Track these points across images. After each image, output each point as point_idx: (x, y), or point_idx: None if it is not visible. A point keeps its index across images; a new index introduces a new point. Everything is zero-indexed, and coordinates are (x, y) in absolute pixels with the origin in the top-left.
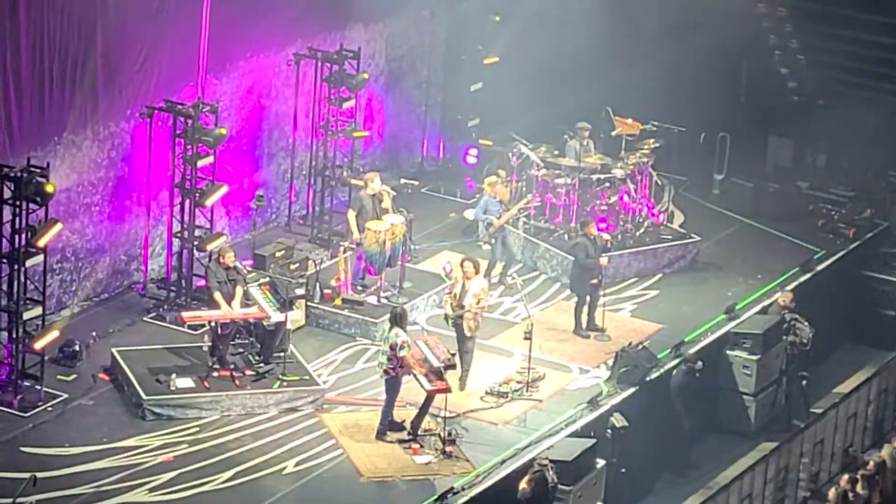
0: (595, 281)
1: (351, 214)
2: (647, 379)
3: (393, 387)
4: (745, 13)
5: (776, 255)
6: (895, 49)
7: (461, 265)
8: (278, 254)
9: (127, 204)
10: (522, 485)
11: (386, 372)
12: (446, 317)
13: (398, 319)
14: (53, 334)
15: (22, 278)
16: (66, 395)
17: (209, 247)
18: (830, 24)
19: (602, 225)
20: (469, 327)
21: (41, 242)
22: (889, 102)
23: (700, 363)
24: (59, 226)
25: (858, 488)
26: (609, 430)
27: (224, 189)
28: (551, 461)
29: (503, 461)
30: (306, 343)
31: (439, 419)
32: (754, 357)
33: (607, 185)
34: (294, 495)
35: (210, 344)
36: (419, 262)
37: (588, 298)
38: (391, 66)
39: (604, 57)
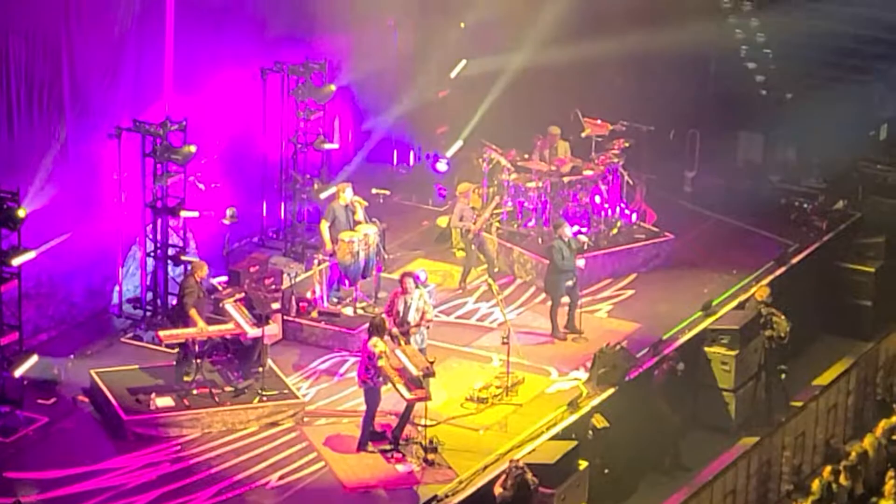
0: (570, 283)
1: (324, 225)
2: (627, 379)
3: (372, 397)
4: (711, 8)
5: (750, 250)
6: (861, 39)
7: (401, 281)
8: (252, 269)
9: (99, 225)
10: (498, 489)
11: (364, 382)
12: (390, 335)
13: (377, 329)
14: (32, 360)
15: None
16: (46, 419)
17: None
18: (796, 16)
19: (576, 227)
20: (416, 341)
21: (15, 262)
22: (857, 93)
23: (682, 364)
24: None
25: (841, 479)
26: (590, 432)
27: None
28: (530, 464)
29: (485, 467)
30: (284, 357)
31: (420, 427)
32: (732, 353)
33: (578, 186)
34: None
35: (177, 361)
36: (394, 272)
37: (567, 300)
38: (358, 76)
39: (570, 58)
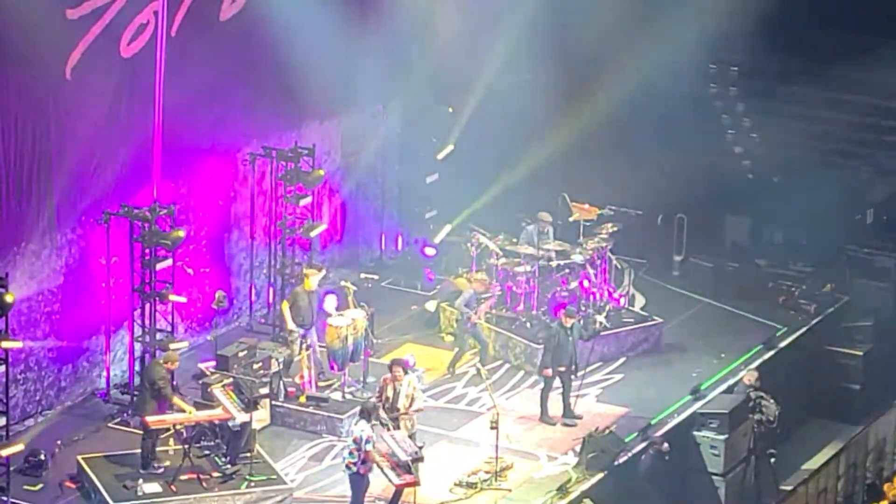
0: (563, 369)
1: (284, 305)
2: (616, 464)
3: (358, 484)
4: (697, 94)
5: (738, 334)
6: (846, 124)
7: (390, 368)
8: (241, 354)
9: (87, 310)
10: None
11: (347, 467)
12: (380, 420)
13: (367, 414)
14: (18, 447)
15: None
16: None
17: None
18: (781, 101)
19: (562, 311)
20: (406, 427)
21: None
22: (843, 177)
23: (666, 445)
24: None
25: None
26: None
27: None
28: None
29: None
30: (272, 442)
31: None
32: (721, 437)
33: (567, 271)
34: None
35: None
36: (382, 356)
37: (559, 385)
38: (347, 161)
39: (557, 142)
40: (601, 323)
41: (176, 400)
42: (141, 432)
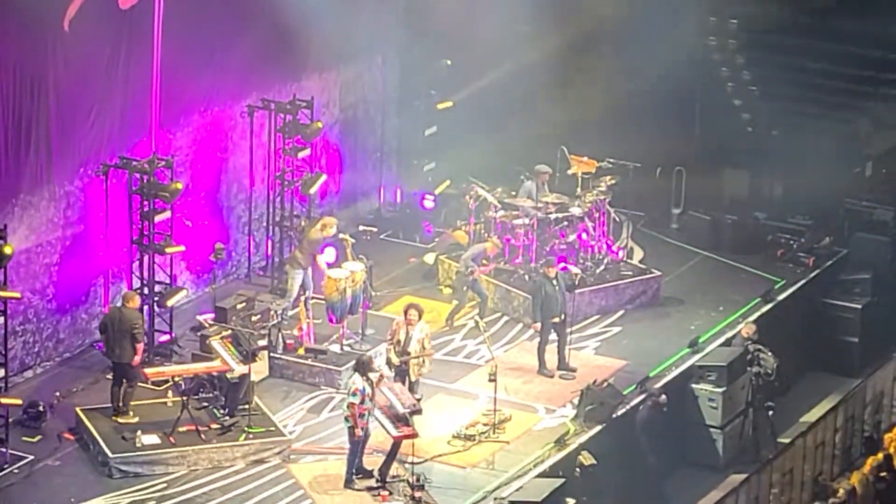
0: (557, 320)
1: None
2: (614, 416)
3: (355, 435)
4: (696, 46)
5: (737, 287)
6: (846, 77)
7: (405, 312)
8: (239, 306)
9: (86, 262)
10: None
11: (347, 420)
12: (389, 363)
13: (362, 367)
14: (16, 400)
15: None
16: (31, 457)
17: (169, 302)
18: (781, 54)
19: (562, 264)
20: (417, 372)
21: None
22: (842, 130)
23: (664, 397)
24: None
25: None
26: (577, 469)
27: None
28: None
29: None
30: (271, 394)
31: (407, 465)
32: (719, 389)
33: (565, 223)
34: None
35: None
36: (380, 309)
37: (554, 338)
38: (345, 114)
39: (557, 95)
40: (578, 275)
41: (140, 347)
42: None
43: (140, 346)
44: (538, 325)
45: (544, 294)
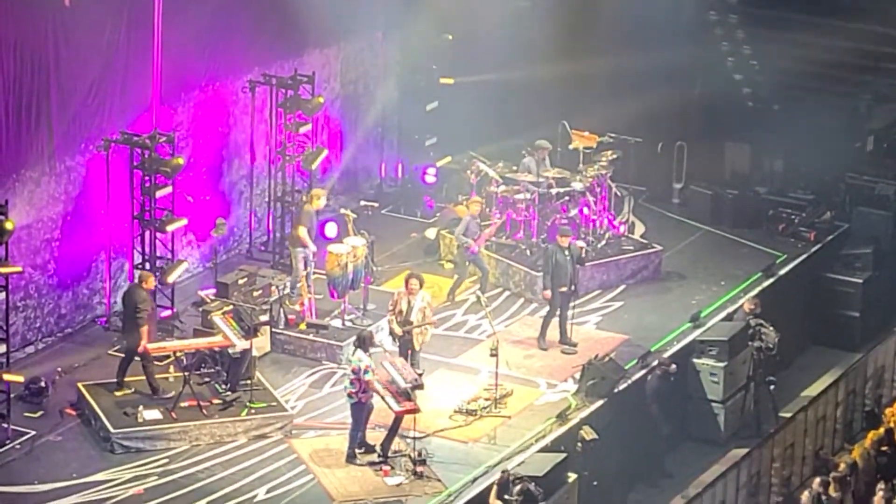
0: (564, 289)
1: (302, 231)
2: (615, 391)
3: (360, 410)
4: (697, 20)
5: (738, 262)
6: (847, 52)
7: (406, 282)
8: (241, 281)
9: (87, 237)
10: (495, 501)
11: (349, 396)
12: (392, 333)
13: (363, 343)
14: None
15: None
16: (33, 432)
17: (170, 278)
18: (782, 28)
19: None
20: (420, 342)
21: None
22: (844, 105)
23: (674, 366)
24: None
25: (831, 491)
26: (579, 444)
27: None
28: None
29: (474, 479)
30: (272, 369)
31: (409, 440)
32: (721, 364)
33: (567, 198)
34: None
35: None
36: (382, 284)
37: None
38: (346, 89)
39: (557, 70)
40: (584, 248)
41: (143, 331)
42: (123, 356)
43: (144, 331)
44: (548, 292)
45: (555, 262)
